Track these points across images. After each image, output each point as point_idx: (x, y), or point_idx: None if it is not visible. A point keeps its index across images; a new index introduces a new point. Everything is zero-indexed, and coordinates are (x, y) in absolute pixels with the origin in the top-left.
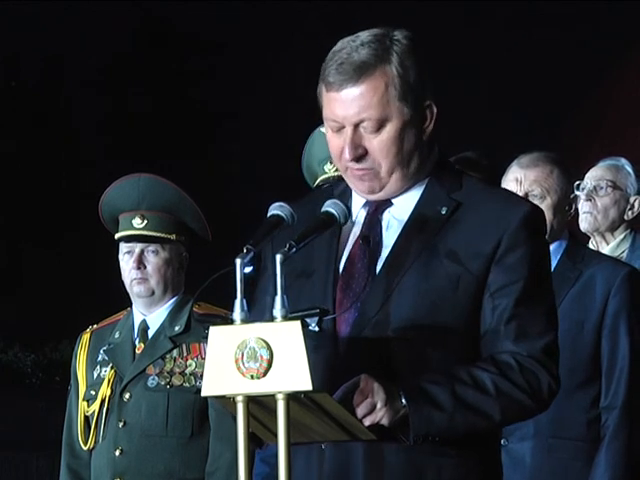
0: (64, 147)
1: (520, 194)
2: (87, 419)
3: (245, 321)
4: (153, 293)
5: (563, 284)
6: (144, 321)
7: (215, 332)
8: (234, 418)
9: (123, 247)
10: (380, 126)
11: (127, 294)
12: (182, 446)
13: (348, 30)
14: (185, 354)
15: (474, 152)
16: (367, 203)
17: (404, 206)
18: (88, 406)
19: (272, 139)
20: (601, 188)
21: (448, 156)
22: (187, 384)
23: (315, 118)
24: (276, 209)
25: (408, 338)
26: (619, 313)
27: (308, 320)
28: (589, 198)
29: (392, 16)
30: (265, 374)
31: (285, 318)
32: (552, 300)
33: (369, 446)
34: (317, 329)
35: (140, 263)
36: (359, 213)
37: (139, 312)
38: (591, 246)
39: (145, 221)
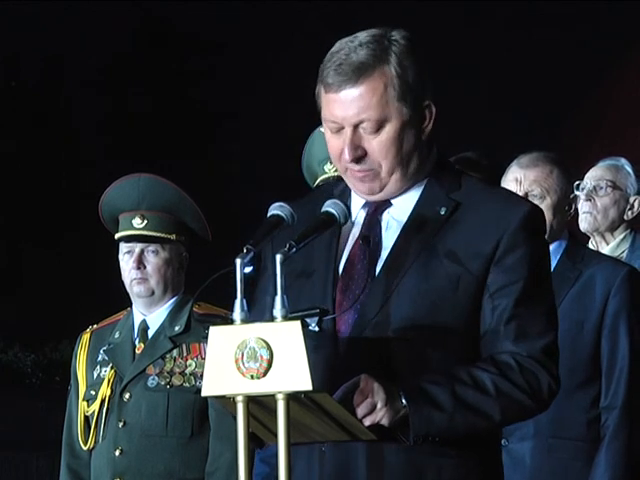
0: (64, 147)
1: (520, 194)
2: (87, 419)
3: (245, 321)
4: (153, 293)
5: (563, 284)
6: (144, 321)
7: (215, 332)
8: (234, 418)
9: (123, 247)
10: (379, 127)
11: (127, 294)
12: (182, 446)
13: (348, 30)
14: (185, 354)
15: (474, 152)
16: (366, 204)
17: (403, 207)
18: (88, 406)
19: (272, 139)
20: (601, 188)
21: (448, 156)
22: (187, 384)
23: (315, 118)
24: (276, 209)
25: (408, 338)
26: (619, 313)
27: (308, 320)
28: (589, 198)
29: (392, 16)
30: (265, 374)
31: (285, 318)
32: (552, 300)
33: (370, 447)
34: (317, 329)
35: (140, 263)
36: (358, 214)
37: (139, 312)
38: (591, 246)
39: (145, 221)
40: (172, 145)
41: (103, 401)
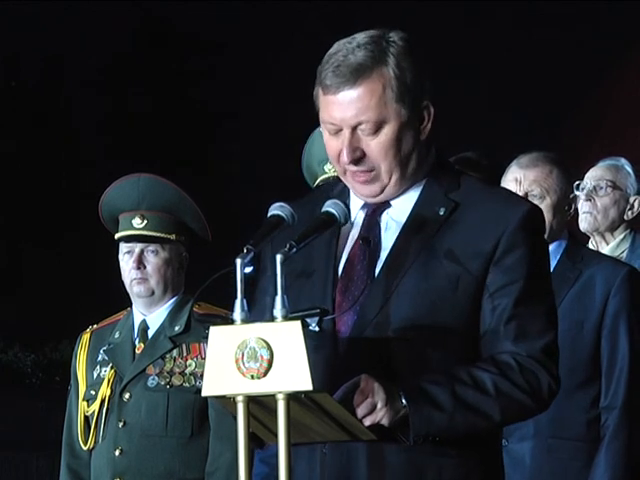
0: (64, 147)
1: (520, 194)
2: (87, 419)
3: (245, 321)
4: (153, 293)
5: (563, 284)
6: (144, 321)
7: (215, 332)
8: (234, 418)
9: (123, 247)
10: (378, 128)
11: (127, 294)
12: (182, 446)
13: (348, 30)
14: (185, 354)
15: (474, 152)
16: (365, 204)
17: (402, 207)
18: (88, 406)
19: (272, 139)
20: (601, 188)
21: (448, 156)
22: (187, 384)
23: (315, 118)
24: (276, 209)
25: (408, 338)
26: (619, 313)
27: (308, 320)
28: (589, 198)
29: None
30: (265, 374)
31: (285, 318)
32: (552, 300)
33: (370, 447)
34: (317, 329)
35: (140, 263)
36: (357, 214)
37: (139, 312)
38: (591, 246)
39: (145, 221)
40: (172, 145)
41: (103, 401)
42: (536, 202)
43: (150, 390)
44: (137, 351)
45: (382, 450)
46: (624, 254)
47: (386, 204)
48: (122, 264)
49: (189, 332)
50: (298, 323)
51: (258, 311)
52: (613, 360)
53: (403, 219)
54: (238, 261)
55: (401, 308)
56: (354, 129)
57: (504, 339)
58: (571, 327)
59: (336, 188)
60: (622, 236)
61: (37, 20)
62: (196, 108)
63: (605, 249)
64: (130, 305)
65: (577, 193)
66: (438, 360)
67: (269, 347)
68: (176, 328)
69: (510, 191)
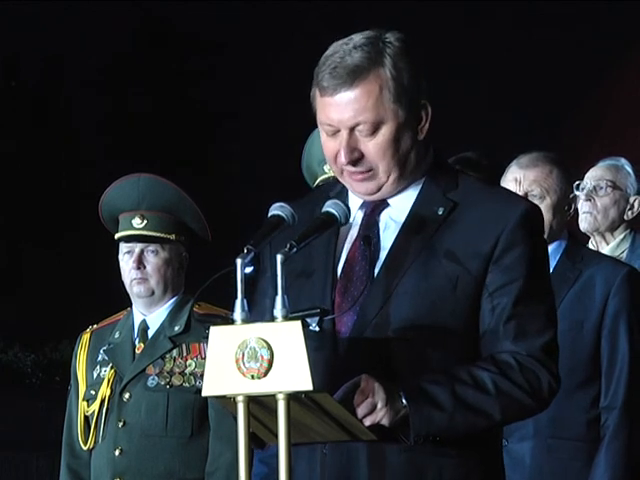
0: (64, 147)
1: (519, 194)
2: (87, 419)
3: (246, 321)
4: (153, 293)
5: (563, 284)
6: (144, 321)
7: (215, 332)
8: (234, 418)
9: (123, 247)
10: (375, 129)
11: (127, 294)
12: (182, 446)
13: (348, 30)
14: (185, 354)
15: (474, 152)
16: (364, 204)
17: (401, 207)
18: (88, 406)
19: (272, 139)
20: (601, 188)
21: (448, 156)
22: (187, 384)
23: (315, 118)
24: (277, 209)
25: (408, 338)
26: (619, 313)
27: (308, 320)
28: (589, 198)
29: (392, 16)
30: (266, 374)
31: (286, 318)
32: (551, 299)
33: (370, 447)
34: (318, 329)
35: (140, 263)
36: (356, 214)
37: (139, 312)
38: (591, 246)
39: (145, 221)
40: (172, 145)
41: (103, 401)
42: (536, 202)
43: (150, 390)
44: (137, 351)
45: (382, 450)
46: (624, 254)
47: (384, 203)
48: (122, 264)
49: (189, 332)
50: (298, 323)
51: (258, 312)
52: (613, 360)
53: (402, 219)
54: (238, 261)
55: (401, 308)
56: (352, 130)
57: (504, 338)
58: (571, 327)
59: (335, 188)
60: (622, 236)
61: (37, 20)
62: (196, 108)
63: (605, 249)
64: (130, 305)
65: (577, 193)
66: (438, 360)
67: (269, 347)
68: (176, 328)
69: (509, 190)
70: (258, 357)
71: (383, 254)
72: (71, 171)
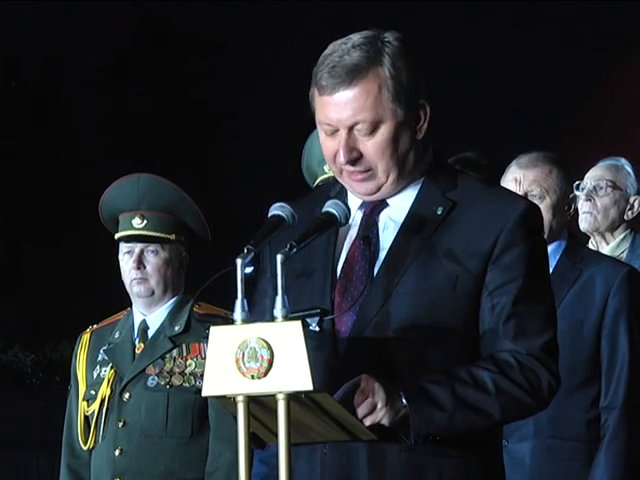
0: (64, 147)
1: (519, 194)
2: (87, 419)
3: (246, 321)
4: (153, 293)
5: (563, 284)
6: (144, 321)
7: (216, 332)
8: (234, 418)
9: (123, 247)
10: (374, 128)
11: (127, 294)
12: (182, 446)
13: (348, 30)
14: (185, 354)
15: (474, 152)
16: (363, 205)
17: (400, 207)
18: (88, 406)
19: (272, 139)
20: (601, 188)
21: (448, 156)
22: (187, 384)
23: (315, 118)
24: (277, 209)
25: (408, 338)
26: (619, 313)
27: (308, 320)
28: (589, 198)
29: (392, 16)
30: (266, 374)
31: (286, 318)
32: (551, 298)
33: (370, 447)
34: (318, 329)
35: (140, 263)
36: (355, 214)
37: (139, 312)
38: (591, 246)
39: (145, 221)
40: (172, 145)
41: (103, 401)
42: (536, 202)
43: (150, 390)
44: (137, 351)
45: (382, 450)
46: (624, 254)
47: (383, 203)
48: (122, 264)
49: (189, 332)
50: (298, 323)
51: (257, 313)
52: (613, 360)
53: (401, 218)
54: (238, 261)
55: (400, 308)
56: (350, 129)
57: (503, 338)
58: (571, 327)
59: (334, 188)
60: (622, 236)
61: (37, 20)
62: (196, 108)
63: (605, 249)
64: (130, 305)
65: (577, 193)
66: (438, 359)
67: (269, 347)
68: (176, 328)
69: (508, 190)
70: (258, 357)
71: (382, 254)
72: (71, 171)
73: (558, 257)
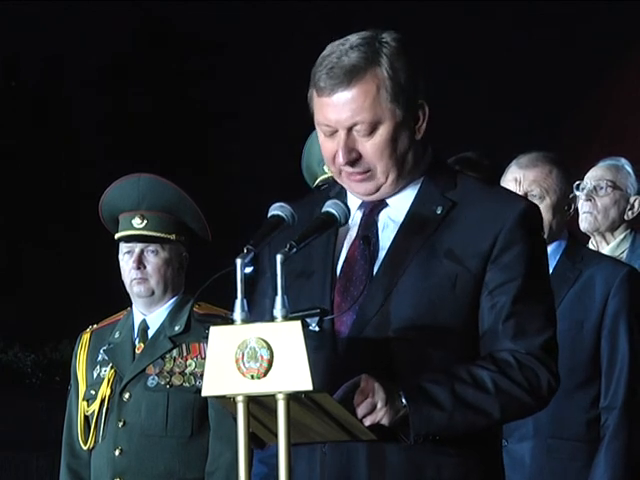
0: (64, 147)
1: (519, 194)
2: (87, 419)
3: (245, 321)
4: (153, 293)
5: (563, 284)
6: (144, 321)
7: (215, 332)
8: (234, 418)
9: (123, 247)
10: (373, 129)
11: (127, 294)
12: (182, 446)
13: (348, 30)
14: (185, 354)
15: (474, 152)
16: (362, 205)
17: (399, 207)
18: (88, 406)
19: (272, 139)
20: (601, 188)
21: (448, 156)
22: (187, 384)
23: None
24: (276, 209)
25: (408, 338)
26: (619, 313)
27: (308, 320)
28: (589, 198)
29: (392, 16)
30: (265, 374)
31: (285, 318)
32: (550, 297)
33: (370, 447)
34: (317, 329)
35: (140, 263)
36: (355, 215)
37: (139, 312)
38: (591, 246)
39: (145, 221)
40: (172, 145)
41: (103, 401)
42: (536, 202)
43: (150, 390)
44: (137, 351)
45: (382, 449)
46: (624, 254)
47: (383, 203)
48: (122, 264)
49: (189, 332)
50: (298, 323)
51: (257, 314)
52: (613, 360)
53: (400, 218)
54: (238, 261)
55: (400, 307)
56: (349, 130)
57: (503, 337)
58: (571, 327)
59: (333, 190)
60: (622, 236)
61: (37, 20)
62: (196, 108)
63: (605, 249)
64: (130, 305)
65: (577, 193)
66: (438, 359)
67: (269, 347)
68: (176, 328)
69: (508, 190)
70: (258, 357)
71: (382, 254)
72: (71, 171)
73: (558, 257)
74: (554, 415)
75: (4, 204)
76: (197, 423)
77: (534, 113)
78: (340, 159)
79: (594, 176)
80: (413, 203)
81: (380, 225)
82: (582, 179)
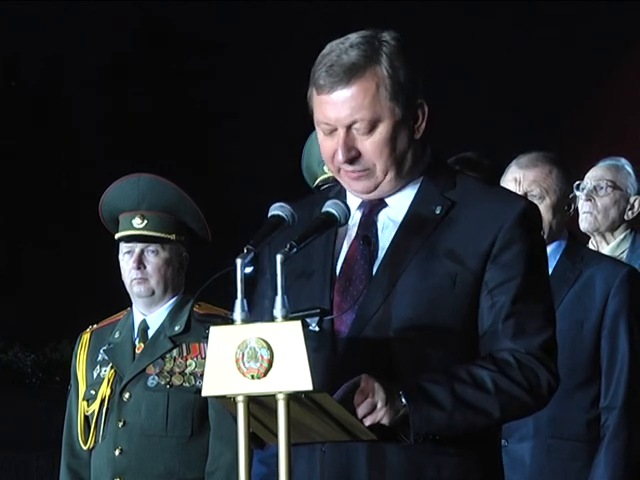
0: (64, 147)
1: (519, 194)
2: (87, 419)
3: (245, 321)
4: (153, 293)
5: (563, 284)
6: (144, 321)
7: (215, 332)
8: (234, 418)
9: (123, 247)
10: (372, 127)
11: (127, 294)
12: (182, 446)
13: (348, 30)
14: (185, 354)
15: (474, 152)
16: (362, 204)
17: (398, 206)
18: (88, 406)
19: (272, 139)
20: (601, 188)
21: (445, 156)
22: (187, 384)
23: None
24: (277, 209)
25: (408, 338)
26: (619, 313)
27: (308, 320)
28: (589, 198)
29: (392, 16)
30: (265, 374)
31: (286, 318)
32: (549, 297)
33: (370, 447)
34: (317, 329)
35: (140, 263)
36: (354, 214)
37: (139, 312)
38: (591, 246)
39: (145, 221)
40: (172, 145)
41: (103, 401)
42: (536, 202)
43: (150, 390)
44: (137, 351)
45: (382, 449)
46: (624, 254)
47: (382, 203)
48: (122, 264)
49: (189, 332)
50: (298, 323)
51: (257, 314)
52: (613, 360)
53: (400, 218)
54: (238, 261)
55: (400, 307)
56: (349, 128)
57: (502, 337)
58: (571, 327)
59: (333, 191)
60: (622, 236)
61: (37, 20)
62: (196, 108)
63: (605, 249)
64: (130, 305)
65: (577, 193)
66: (437, 358)
67: (269, 347)
68: (176, 328)
69: (507, 190)
70: (258, 357)
71: (382, 253)
72: (71, 171)
73: (558, 257)
74: (554, 415)
75: (4, 204)
76: (197, 423)
77: (534, 113)
78: (339, 157)
79: (594, 176)
80: (413, 203)
81: (380, 225)
82: (582, 179)
